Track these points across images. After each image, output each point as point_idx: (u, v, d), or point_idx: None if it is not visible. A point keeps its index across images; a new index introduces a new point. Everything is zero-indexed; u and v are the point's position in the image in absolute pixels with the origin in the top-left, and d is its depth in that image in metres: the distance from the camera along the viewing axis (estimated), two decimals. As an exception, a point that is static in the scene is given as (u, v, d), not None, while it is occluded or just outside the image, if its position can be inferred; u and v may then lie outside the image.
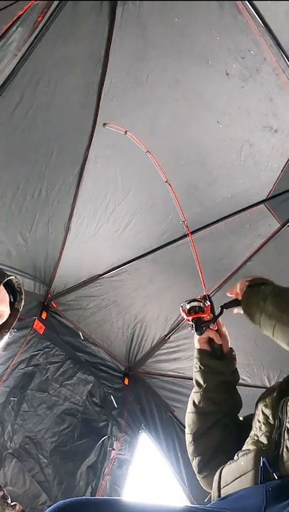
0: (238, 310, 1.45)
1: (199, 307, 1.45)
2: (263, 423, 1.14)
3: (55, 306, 3.52)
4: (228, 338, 1.46)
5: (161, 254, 3.32)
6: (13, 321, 1.44)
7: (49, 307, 3.48)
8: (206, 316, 1.44)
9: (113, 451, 3.43)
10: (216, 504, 1.04)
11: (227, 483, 1.08)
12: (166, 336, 3.72)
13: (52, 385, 3.23)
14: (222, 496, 1.06)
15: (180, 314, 3.68)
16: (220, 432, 1.33)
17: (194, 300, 1.47)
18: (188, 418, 1.39)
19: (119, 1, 2.17)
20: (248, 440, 1.15)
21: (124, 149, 2.78)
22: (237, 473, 1.07)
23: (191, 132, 2.71)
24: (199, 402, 1.37)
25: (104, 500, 0.87)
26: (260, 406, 1.20)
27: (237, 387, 1.47)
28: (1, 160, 2.50)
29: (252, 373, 3.47)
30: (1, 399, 2.87)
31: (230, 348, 1.47)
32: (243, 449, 1.13)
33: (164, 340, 3.74)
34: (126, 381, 3.85)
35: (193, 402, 1.39)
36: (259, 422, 1.16)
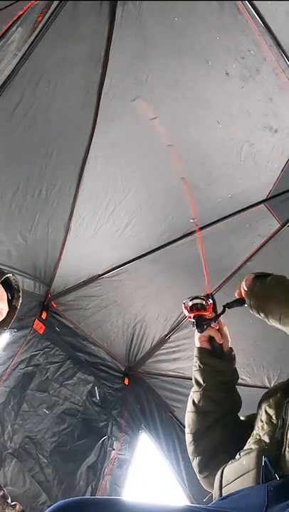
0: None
1: (201, 305, 1.45)
2: (266, 422, 1.14)
3: (55, 306, 3.52)
4: (229, 338, 1.46)
5: (161, 254, 3.32)
6: (12, 318, 1.44)
7: (49, 307, 3.48)
8: (208, 314, 1.44)
9: (113, 451, 3.43)
10: (217, 503, 1.04)
11: (228, 483, 1.08)
12: (166, 336, 3.73)
13: (52, 385, 3.23)
14: (223, 495, 1.06)
15: (180, 314, 3.70)
16: (220, 431, 1.33)
17: (197, 297, 1.47)
18: (188, 417, 1.39)
19: (119, 1, 2.17)
20: (250, 439, 1.15)
21: (124, 149, 2.78)
22: (239, 472, 1.07)
23: (191, 132, 2.71)
24: (199, 401, 1.37)
25: (104, 500, 0.87)
26: (264, 406, 1.20)
27: (237, 387, 1.46)
28: (1, 160, 2.50)
29: (252, 373, 3.47)
30: (1, 399, 2.87)
31: (230, 348, 1.47)
32: (245, 448, 1.13)
33: (164, 340, 3.74)
34: (126, 381, 3.85)
35: (193, 402, 1.39)
36: (262, 421, 1.16)
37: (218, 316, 1.44)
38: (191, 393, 1.42)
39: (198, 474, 1.34)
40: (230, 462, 1.14)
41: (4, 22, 1.82)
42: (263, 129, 2.62)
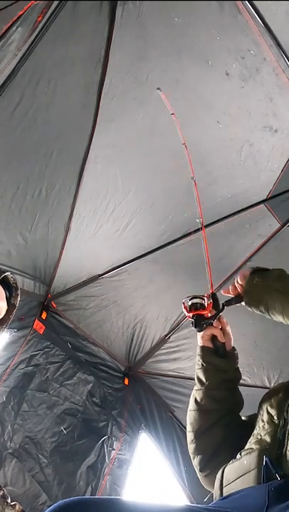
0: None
1: (201, 304, 1.45)
2: (267, 422, 1.14)
3: (55, 306, 3.52)
4: (232, 337, 1.46)
5: (161, 254, 3.32)
6: (10, 316, 1.44)
7: (49, 307, 3.48)
8: (207, 313, 1.44)
9: (113, 451, 3.43)
10: (218, 503, 1.03)
11: (229, 482, 1.07)
12: (166, 336, 3.73)
13: (52, 385, 3.23)
14: (224, 494, 1.06)
15: (180, 314, 3.69)
16: (221, 430, 1.32)
17: (196, 297, 1.47)
18: (190, 416, 1.39)
19: (119, 1, 2.17)
20: (252, 439, 1.15)
21: (124, 149, 2.78)
22: (239, 472, 1.06)
23: (191, 132, 2.71)
24: (201, 400, 1.37)
25: (104, 499, 0.86)
26: (265, 405, 1.20)
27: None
28: (1, 160, 2.50)
29: (252, 373, 3.47)
30: (1, 399, 2.87)
31: (233, 347, 1.47)
32: (246, 447, 1.13)
33: (164, 340, 3.74)
34: (126, 381, 3.85)
35: (195, 400, 1.39)
36: (263, 421, 1.16)
37: (216, 314, 1.44)
38: (194, 391, 1.41)
39: (198, 473, 1.34)
40: (231, 462, 1.13)
41: (4, 22, 1.83)
42: (263, 129, 2.63)
